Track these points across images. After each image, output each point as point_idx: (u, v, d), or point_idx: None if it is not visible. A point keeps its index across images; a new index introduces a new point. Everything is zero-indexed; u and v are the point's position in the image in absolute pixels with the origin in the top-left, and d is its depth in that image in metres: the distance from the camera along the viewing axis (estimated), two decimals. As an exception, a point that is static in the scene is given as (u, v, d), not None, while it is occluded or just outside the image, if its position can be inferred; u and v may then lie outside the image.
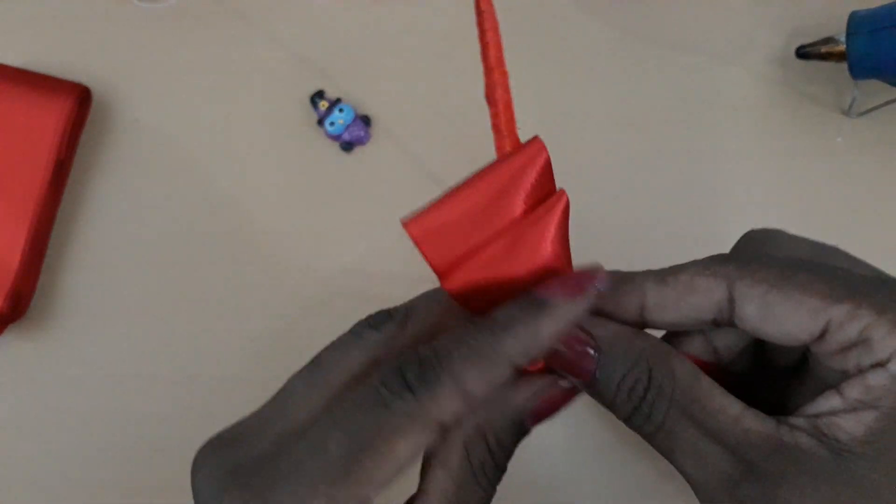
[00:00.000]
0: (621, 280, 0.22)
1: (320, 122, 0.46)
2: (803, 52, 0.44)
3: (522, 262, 0.20)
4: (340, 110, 0.46)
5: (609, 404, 0.21)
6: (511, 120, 0.22)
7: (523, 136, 0.23)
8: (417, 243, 0.20)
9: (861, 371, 0.20)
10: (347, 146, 0.46)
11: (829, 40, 0.43)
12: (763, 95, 0.46)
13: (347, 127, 0.46)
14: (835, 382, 0.20)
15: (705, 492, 0.20)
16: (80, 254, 0.46)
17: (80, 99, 0.45)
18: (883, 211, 0.45)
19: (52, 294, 0.46)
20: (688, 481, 0.20)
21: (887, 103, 0.44)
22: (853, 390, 0.19)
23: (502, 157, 0.21)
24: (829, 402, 0.20)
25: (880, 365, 0.19)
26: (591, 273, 0.20)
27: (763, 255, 0.22)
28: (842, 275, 0.20)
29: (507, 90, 0.21)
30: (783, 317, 0.20)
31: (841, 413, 0.19)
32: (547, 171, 0.21)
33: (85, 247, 0.46)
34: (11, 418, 0.45)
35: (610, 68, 0.47)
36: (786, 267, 0.21)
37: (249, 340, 0.45)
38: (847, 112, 0.45)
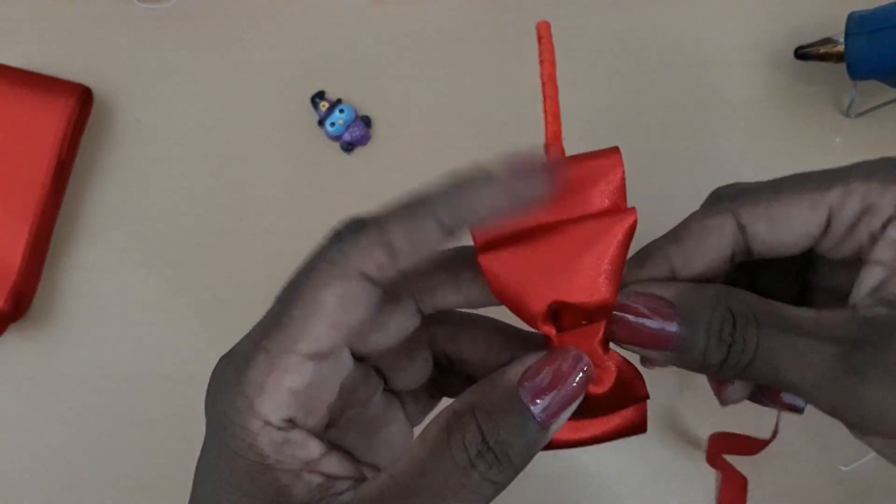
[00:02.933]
0: (644, 256, 0.23)
1: (321, 122, 0.46)
2: (802, 53, 0.44)
3: (572, 261, 0.20)
4: (341, 111, 0.46)
5: (700, 359, 0.21)
6: (557, 130, 0.22)
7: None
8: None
9: (875, 237, 0.21)
10: (348, 147, 0.46)
11: (827, 41, 0.43)
12: (762, 96, 0.46)
13: (348, 127, 0.46)
14: (850, 277, 0.21)
15: (822, 384, 0.20)
16: (81, 254, 0.46)
17: (82, 99, 0.45)
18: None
19: (53, 294, 0.46)
20: (803, 390, 0.21)
21: (886, 104, 0.44)
22: (884, 253, 0.21)
23: (577, 159, 0.21)
24: (872, 276, 0.21)
25: (893, 219, 0.21)
26: (539, 163, 0.20)
27: (747, 186, 0.23)
28: (821, 172, 0.22)
29: (555, 103, 0.21)
30: (790, 220, 0.22)
31: (891, 277, 0.21)
32: (619, 184, 0.21)
33: (86, 247, 0.47)
34: (12, 417, 0.45)
35: (609, 68, 0.47)
36: (774, 184, 0.22)
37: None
38: (846, 112, 0.45)
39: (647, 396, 0.22)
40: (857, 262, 0.22)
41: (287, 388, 0.19)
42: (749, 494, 0.42)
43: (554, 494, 0.43)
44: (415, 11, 0.48)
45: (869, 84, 0.44)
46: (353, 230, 0.19)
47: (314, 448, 0.20)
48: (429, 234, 0.19)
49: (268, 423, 0.19)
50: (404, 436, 0.25)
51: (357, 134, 0.46)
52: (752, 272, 0.25)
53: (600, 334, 0.21)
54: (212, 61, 0.48)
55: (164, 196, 0.47)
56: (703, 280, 0.23)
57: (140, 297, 0.46)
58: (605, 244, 0.20)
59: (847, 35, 0.41)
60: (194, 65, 0.48)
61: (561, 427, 0.20)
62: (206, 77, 0.48)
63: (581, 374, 0.20)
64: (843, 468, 0.42)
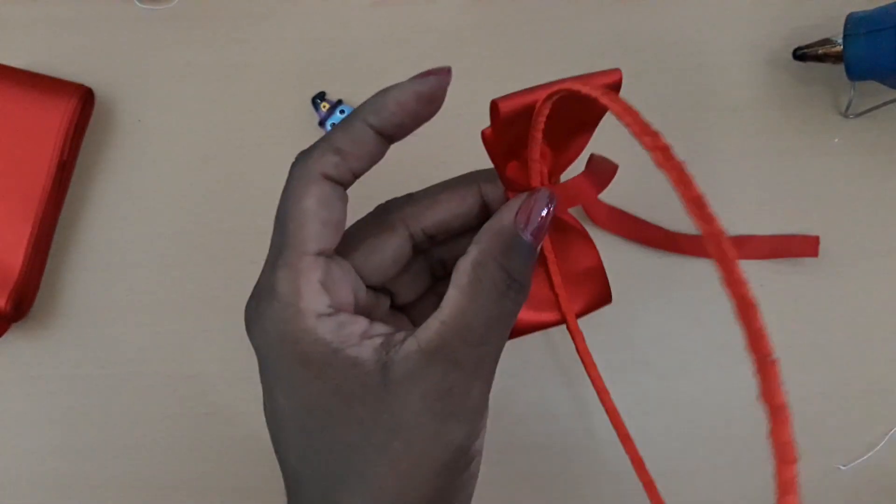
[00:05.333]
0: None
1: (322, 123, 0.46)
2: (800, 54, 0.44)
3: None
4: (342, 112, 0.46)
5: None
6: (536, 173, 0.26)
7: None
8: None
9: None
10: (348, 147, 0.46)
11: (826, 42, 0.43)
12: (760, 96, 0.46)
13: (348, 128, 0.46)
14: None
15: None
16: (82, 254, 0.47)
17: (83, 100, 0.45)
18: (879, 211, 0.45)
19: (54, 294, 0.46)
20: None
21: (884, 104, 0.44)
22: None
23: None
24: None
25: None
26: (438, 70, 0.24)
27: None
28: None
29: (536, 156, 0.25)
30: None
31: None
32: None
33: (87, 247, 0.47)
34: (14, 417, 0.45)
35: (608, 68, 0.47)
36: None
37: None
38: (844, 113, 0.46)
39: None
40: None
41: (317, 281, 0.23)
42: (749, 494, 0.42)
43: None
44: (415, 12, 0.48)
45: (867, 85, 0.44)
46: (307, 150, 0.24)
47: (362, 322, 0.23)
48: (363, 134, 0.24)
49: (320, 315, 0.22)
50: None
51: (357, 134, 0.46)
52: None
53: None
54: (212, 61, 0.48)
55: (165, 196, 0.47)
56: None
57: (141, 297, 0.46)
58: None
59: (845, 36, 0.42)
60: (195, 65, 0.48)
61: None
62: (207, 77, 0.48)
63: (552, 206, 0.25)
64: (842, 468, 0.42)
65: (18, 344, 0.46)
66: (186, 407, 0.45)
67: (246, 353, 0.45)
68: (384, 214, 0.27)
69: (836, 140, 0.46)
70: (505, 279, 0.23)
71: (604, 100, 0.20)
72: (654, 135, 0.19)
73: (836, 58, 0.43)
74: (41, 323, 0.46)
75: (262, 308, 0.23)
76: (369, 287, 0.27)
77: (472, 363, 0.23)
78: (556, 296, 0.28)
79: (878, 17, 0.41)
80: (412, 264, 0.28)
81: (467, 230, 0.28)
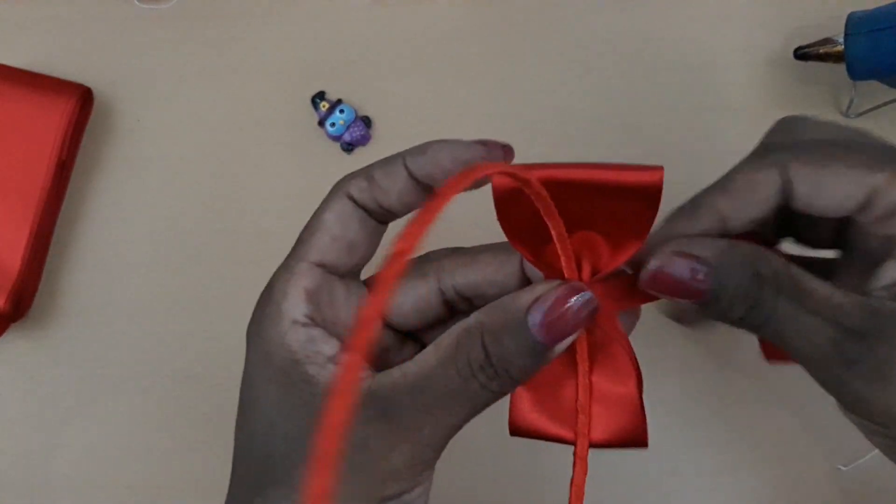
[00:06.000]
0: (694, 207, 0.24)
1: (321, 123, 0.46)
2: (801, 53, 0.44)
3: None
4: (341, 111, 0.46)
5: (722, 313, 0.22)
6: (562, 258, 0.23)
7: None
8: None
9: None
10: (348, 147, 0.46)
11: (827, 41, 0.43)
12: (761, 96, 0.46)
13: (348, 128, 0.46)
14: (882, 255, 0.23)
15: (815, 360, 0.22)
16: (81, 254, 0.46)
17: (82, 100, 0.45)
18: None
19: (53, 294, 0.46)
20: (800, 359, 0.23)
21: (885, 104, 0.44)
22: None
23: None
24: (891, 272, 0.22)
25: None
26: (494, 143, 0.23)
27: (802, 140, 0.25)
28: (878, 148, 0.23)
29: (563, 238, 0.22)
30: (832, 190, 0.23)
31: None
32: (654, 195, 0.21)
33: (86, 247, 0.47)
34: (13, 417, 0.45)
35: (609, 69, 0.47)
36: (827, 146, 0.24)
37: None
38: (845, 113, 0.45)
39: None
40: (888, 243, 0.23)
41: (303, 288, 0.23)
42: (749, 495, 0.42)
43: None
44: (415, 11, 0.48)
45: (868, 84, 0.44)
46: (348, 175, 0.24)
47: (334, 344, 0.23)
48: (396, 169, 0.23)
49: (294, 321, 0.23)
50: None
51: (357, 134, 0.46)
52: (793, 216, 0.26)
53: (620, 286, 0.23)
54: (212, 61, 0.48)
55: (165, 196, 0.47)
56: (750, 227, 0.24)
57: (140, 297, 0.46)
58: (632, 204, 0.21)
59: (847, 35, 0.42)
60: (195, 65, 0.48)
61: (562, 352, 0.22)
62: (207, 77, 0.48)
63: (586, 309, 0.22)
64: (843, 468, 0.42)
65: (17, 344, 0.46)
66: (186, 407, 0.45)
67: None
68: (422, 261, 0.26)
69: (837, 140, 0.46)
70: (481, 360, 0.21)
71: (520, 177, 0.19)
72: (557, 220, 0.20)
73: (837, 57, 0.43)
74: (40, 323, 0.46)
75: (261, 300, 0.24)
76: (392, 328, 0.26)
77: (405, 424, 0.21)
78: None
79: (879, 16, 0.40)
80: (449, 323, 0.26)
81: None
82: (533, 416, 0.24)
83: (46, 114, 0.44)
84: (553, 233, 0.21)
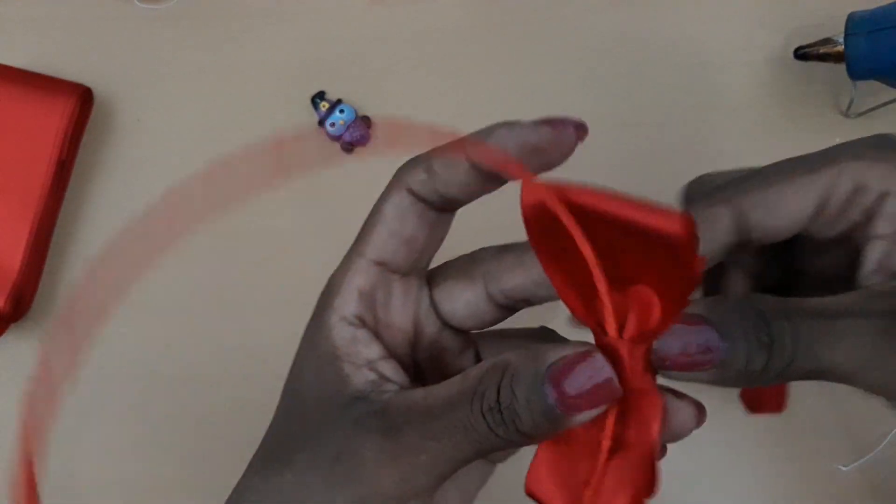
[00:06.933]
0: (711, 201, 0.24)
1: (321, 122, 0.46)
2: (802, 53, 0.44)
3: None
4: (341, 111, 0.46)
5: (743, 369, 0.20)
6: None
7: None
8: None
9: (870, 214, 0.22)
10: (348, 147, 0.46)
11: (827, 41, 0.43)
12: (761, 96, 0.46)
13: (348, 128, 0.46)
14: (856, 246, 0.22)
15: (867, 365, 0.20)
16: (81, 254, 0.46)
17: (82, 99, 0.45)
18: (881, 211, 0.45)
19: (53, 294, 0.46)
20: (848, 378, 0.21)
21: (886, 104, 0.44)
22: (884, 228, 0.22)
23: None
24: (875, 251, 0.22)
25: (887, 194, 0.22)
26: (560, 120, 0.22)
27: (731, 179, 0.24)
28: (808, 155, 0.24)
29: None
30: (786, 204, 0.23)
31: (894, 250, 0.22)
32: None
33: (87, 247, 0.47)
34: (12, 417, 0.45)
35: (609, 68, 0.47)
36: (758, 174, 0.24)
37: (251, 340, 0.45)
38: (845, 113, 0.45)
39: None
40: (845, 241, 0.23)
41: (355, 287, 0.23)
42: (749, 495, 0.42)
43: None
44: (415, 11, 0.48)
45: (869, 84, 0.44)
46: (407, 163, 0.23)
47: (375, 350, 0.23)
48: (458, 161, 0.22)
49: (343, 317, 0.23)
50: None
51: (357, 134, 0.46)
52: (790, 276, 0.26)
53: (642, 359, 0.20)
54: (212, 61, 0.48)
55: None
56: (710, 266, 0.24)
57: (140, 297, 0.46)
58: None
59: (847, 35, 0.42)
60: (194, 65, 0.48)
61: (584, 422, 0.19)
62: (207, 77, 0.48)
63: (605, 389, 0.19)
64: (843, 468, 0.42)
65: (17, 344, 0.46)
66: (186, 407, 0.45)
67: (246, 353, 0.45)
68: (471, 262, 0.24)
69: (838, 140, 0.45)
70: (491, 402, 0.20)
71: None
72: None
73: (837, 57, 0.43)
74: (40, 323, 0.46)
75: (328, 281, 0.24)
76: (451, 327, 0.25)
77: (404, 445, 0.20)
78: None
79: (879, 16, 0.40)
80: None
81: None
82: (547, 483, 0.21)
83: (46, 114, 0.44)
84: (598, 287, 0.18)
